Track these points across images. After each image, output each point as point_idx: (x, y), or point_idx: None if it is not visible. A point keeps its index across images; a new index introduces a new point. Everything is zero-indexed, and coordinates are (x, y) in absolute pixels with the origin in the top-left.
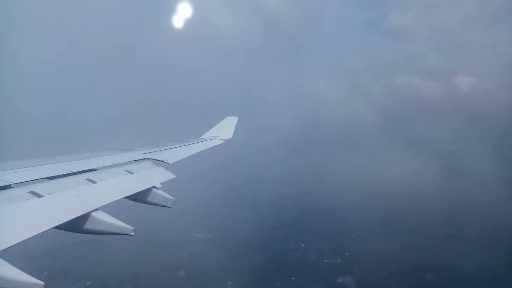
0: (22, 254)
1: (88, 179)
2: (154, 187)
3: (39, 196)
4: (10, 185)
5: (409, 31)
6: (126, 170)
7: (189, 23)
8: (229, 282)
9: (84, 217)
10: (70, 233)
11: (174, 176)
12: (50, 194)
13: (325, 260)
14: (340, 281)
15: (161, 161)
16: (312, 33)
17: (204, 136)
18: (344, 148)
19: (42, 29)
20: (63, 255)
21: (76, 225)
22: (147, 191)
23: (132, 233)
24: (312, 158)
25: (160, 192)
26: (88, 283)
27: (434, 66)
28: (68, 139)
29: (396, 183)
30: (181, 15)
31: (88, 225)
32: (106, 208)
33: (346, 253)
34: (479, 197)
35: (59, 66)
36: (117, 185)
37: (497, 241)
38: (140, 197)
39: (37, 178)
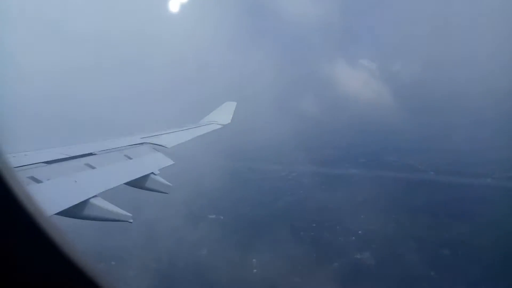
0: None
1: (86, 164)
2: (153, 173)
3: (38, 181)
4: None
5: None
6: (124, 155)
7: (185, 7)
8: (254, 260)
9: (83, 203)
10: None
11: (173, 162)
12: (49, 179)
13: (339, 238)
14: (359, 257)
15: (159, 145)
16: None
17: (203, 121)
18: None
19: (41, 22)
20: (78, 237)
21: (74, 212)
22: (146, 177)
23: (131, 220)
24: (312, 141)
25: (159, 178)
26: (113, 263)
27: None
28: (66, 123)
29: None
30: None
31: (87, 212)
32: (104, 194)
33: (359, 231)
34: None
35: (56, 56)
36: (116, 171)
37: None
38: (138, 183)
39: (35, 162)
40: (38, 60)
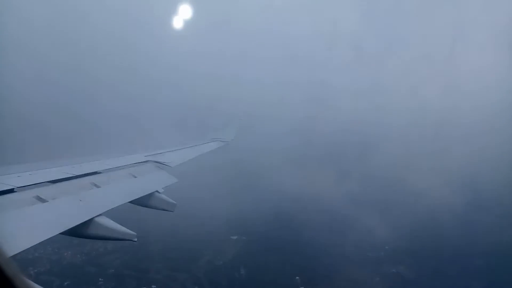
0: (64, 264)
1: (92, 183)
2: (157, 191)
3: (43, 201)
4: (14, 189)
5: None
6: (129, 174)
7: (190, 22)
8: (297, 278)
9: (88, 222)
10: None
11: (176, 181)
12: (54, 199)
13: (368, 254)
14: (395, 271)
15: (163, 163)
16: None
17: (206, 137)
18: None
19: (42, 28)
20: (107, 261)
21: (79, 231)
22: (150, 195)
23: (135, 239)
24: (322, 158)
25: (163, 196)
26: (153, 286)
27: None
28: (71, 141)
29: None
30: (182, 15)
31: (92, 231)
32: (109, 212)
33: (386, 247)
34: None
35: (60, 67)
36: (120, 190)
37: None
38: (143, 201)
39: (40, 181)
40: (40, 65)
